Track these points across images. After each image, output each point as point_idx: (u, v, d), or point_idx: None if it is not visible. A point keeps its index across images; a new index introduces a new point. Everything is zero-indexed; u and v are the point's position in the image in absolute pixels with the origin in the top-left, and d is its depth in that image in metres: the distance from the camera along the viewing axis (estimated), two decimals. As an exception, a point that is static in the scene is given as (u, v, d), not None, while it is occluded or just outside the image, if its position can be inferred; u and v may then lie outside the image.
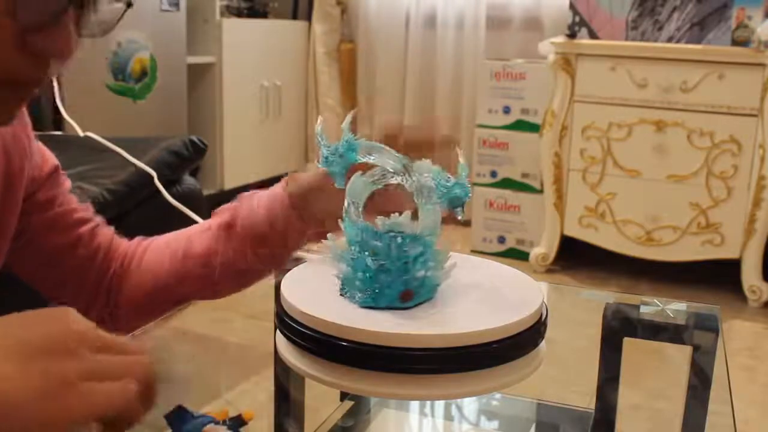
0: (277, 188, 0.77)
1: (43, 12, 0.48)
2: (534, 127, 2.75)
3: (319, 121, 0.64)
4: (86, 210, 0.83)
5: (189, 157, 1.73)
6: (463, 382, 0.55)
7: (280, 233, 0.75)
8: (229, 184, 3.06)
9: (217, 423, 0.52)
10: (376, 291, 0.59)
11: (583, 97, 2.56)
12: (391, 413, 0.96)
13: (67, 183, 0.82)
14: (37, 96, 0.56)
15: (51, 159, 0.80)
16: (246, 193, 0.79)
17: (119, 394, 0.42)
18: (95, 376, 0.41)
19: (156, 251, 0.83)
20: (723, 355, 0.74)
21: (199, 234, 0.81)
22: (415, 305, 0.60)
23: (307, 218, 0.76)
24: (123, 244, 0.85)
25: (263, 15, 3.39)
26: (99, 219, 0.83)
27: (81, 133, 1.80)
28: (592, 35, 2.58)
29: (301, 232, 0.76)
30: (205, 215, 1.52)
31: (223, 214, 0.80)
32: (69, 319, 0.43)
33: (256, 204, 0.77)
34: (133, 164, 1.59)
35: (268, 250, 0.76)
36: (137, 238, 0.86)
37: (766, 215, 2.35)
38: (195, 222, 1.43)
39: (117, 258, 0.83)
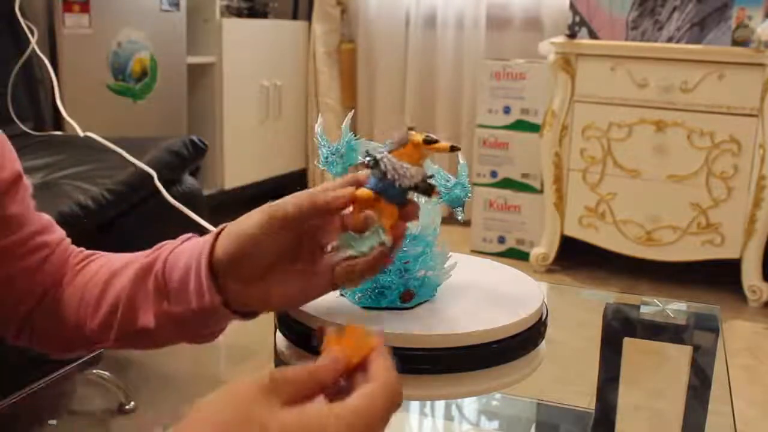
0: (204, 243, 0.61)
1: None
2: (534, 127, 2.75)
3: (319, 121, 0.64)
4: (45, 230, 0.70)
5: (189, 157, 1.73)
6: (463, 382, 0.55)
7: (195, 295, 0.59)
8: (229, 184, 3.06)
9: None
10: (377, 291, 0.60)
11: (583, 97, 2.56)
12: (391, 413, 0.95)
13: (29, 190, 0.70)
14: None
15: (11, 164, 0.67)
16: (170, 242, 0.65)
17: None
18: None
19: (85, 277, 0.69)
20: (723, 355, 0.74)
21: (126, 268, 0.66)
22: (416, 305, 0.60)
23: (230, 284, 0.59)
24: (71, 260, 0.71)
25: (263, 15, 3.39)
26: (57, 237, 0.71)
27: (81, 133, 1.80)
28: (592, 35, 2.58)
29: (214, 305, 0.59)
30: (205, 215, 1.52)
31: (148, 254, 0.65)
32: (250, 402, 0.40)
33: (177, 255, 0.62)
34: (133, 164, 1.59)
35: (175, 313, 0.60)
36: (79, 251, 0.72)
37: (766, 215, 2.35)
38: (195, 222, 1.43)
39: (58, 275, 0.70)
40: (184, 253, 0.62)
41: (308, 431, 0.40)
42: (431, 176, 0.53)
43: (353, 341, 0.47)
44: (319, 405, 0.42)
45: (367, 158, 0.54)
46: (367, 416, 0.42)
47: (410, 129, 0.52)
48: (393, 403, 0.44)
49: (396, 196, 0.52)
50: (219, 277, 0.59)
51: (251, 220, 0.57)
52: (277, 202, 0.56)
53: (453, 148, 0.52)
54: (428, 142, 0.52)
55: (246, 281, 0.58)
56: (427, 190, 0.52)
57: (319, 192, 0.56)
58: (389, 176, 0.52)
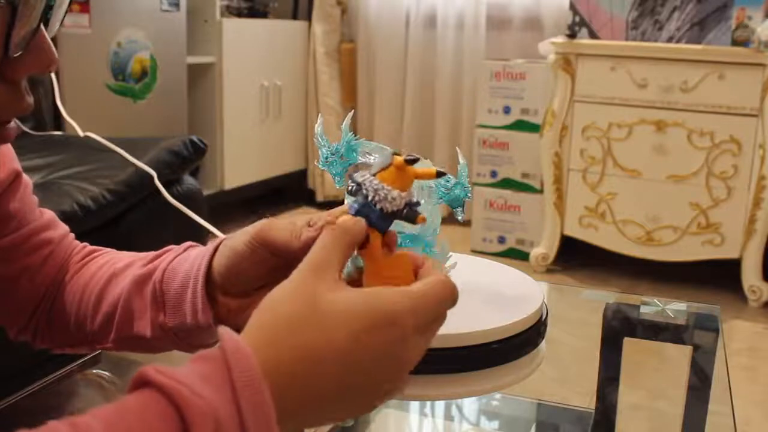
0: (202, 257, 0.60)
1: (24, 37, 0.48)
2: (534, 127, 2.75)
3: (319, 121, 0.63)
4: (47, 226, 0.70)
5: (189, 157, 1.73)
6: (463, 382, 0.55)
7: (190, 311, 0.59)
8: (229, 184, 3.06)
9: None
10: (376, 291, 0.59)
11: (583, 97, 2.56)
12: (391, 413, 0.96)
13: (29, 187, 0.70)
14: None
15: (9, 163, 0.67)
16: (172, 249, 0.65)
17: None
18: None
19: (86, 275, 0.68)
20: (723, 355, 0.74)
21: (126, 271, 0.65)
22: (415, 305, 0.60)
23: (225, 301, 0.59)
24: (73, 256, 0.71)
25: (263, 15, 3.39)
26: (59, 233, 0.71)
27: (81, 133, 1.79)
28: (592, 35, 2.58)
29: (208, 322, 0.59)
30: (205, 215, 1.52)
31: (149, 260, 0.65)
32: (396, 333, 0.43)
33: (175, 267, 0.62)
34: (133, 164, 1.59)
35: (170, 326, 0.60)
36: (82, 246, 0.73)
37: (766, 215, 2.35)
38: (195, 222, 1.43)
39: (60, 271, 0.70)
40: (183, 266, 0.61)
41: (378, 309, 0.42)
42: (417, 203, 0.50)
43: (396, 263, 0.49)
44: (387, 288, 0.45)
45: (351, 184, 0.51)
46: (431, 301, 0.45)
47: (396, 153, 0.50)
48: (450, 298, 0.46)
49: (377, 220, 0.50)
50: (215, 294, 0.59)
51: (242, 236, 0.57)
52: (268, 221, 0.56)
53: (439, 174, 0.50)
54: (410, 161, 0.49)
55: (239, 300, 0.58)
56: (411, 217, 0.50)
57: (299, 230, 0.54)
58: (370, 199, 0.49)
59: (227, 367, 0.38)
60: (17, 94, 0.51)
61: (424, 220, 0.50)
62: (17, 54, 0.48)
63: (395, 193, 0.49)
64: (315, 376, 0.41)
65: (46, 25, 0.51)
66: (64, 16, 0.53)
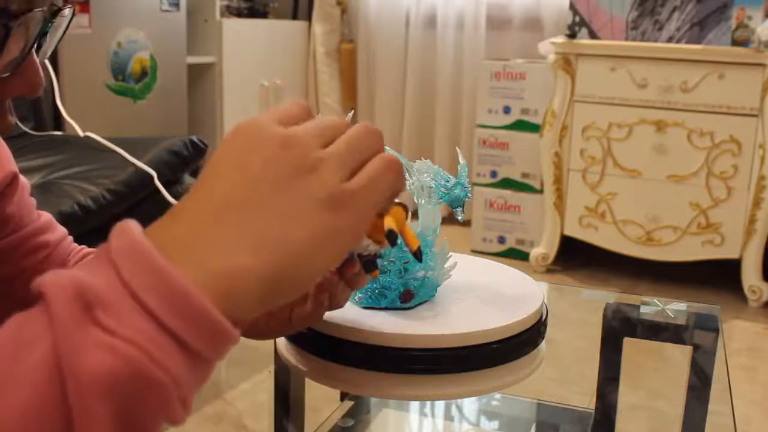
0: None
1: (11, 61, 0.47)
2: (534, 127, 2.75)
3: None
4: (44, 229, 0.69)
5: (189, 157, 1.73)
6: (463, 382, 0.55)
7: None
8: (229, 184, 3.05)
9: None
10: (377, 291, 0.60)
11: (583, 97, 2.56)
12: (391, 413, 0.96)
13: (27, 189, 0.69)
14: None
15: (6, 165, 0.66)
16: None
17: (388, 166, 0.39)
18: (354, 167, 0.38)
19: None
20: (723, 355, 0.74)
21: None
22: (415, 305, 0.60)
23: None
24: (71, 259, 0.71)
25: (263, 15, 3.39)
26: (57, 236, 0.71)
27: (81, 133, 1.80)
28: (592, 35, 2.58)
29: None
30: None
31: None
32: (275, 138, 0.37)
33: None
34: (133, 164, 1.59)
35: None
36: (79, 249, 0.73)
37: (766, 215, 2.35)
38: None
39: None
40: None
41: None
42: (377, 255, 0.48)
43: None
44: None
45: None
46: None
47: (402, 205, 0.47)
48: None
49: None
50: None
51: None
52: None
53: (416, 254, 0.48)
54: (390, 234, 0.46)
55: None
56: (366, 268, 0.49)
57: None
58: None
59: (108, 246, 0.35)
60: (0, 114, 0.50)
61: (377, 276, 0.50)
62: (4, 75, 0.48)
63: (368, 242, 0.47)
64: (209, 181, 0.38)
65: (39, 49, 0.50)
66: (60, 40, 0.52)
